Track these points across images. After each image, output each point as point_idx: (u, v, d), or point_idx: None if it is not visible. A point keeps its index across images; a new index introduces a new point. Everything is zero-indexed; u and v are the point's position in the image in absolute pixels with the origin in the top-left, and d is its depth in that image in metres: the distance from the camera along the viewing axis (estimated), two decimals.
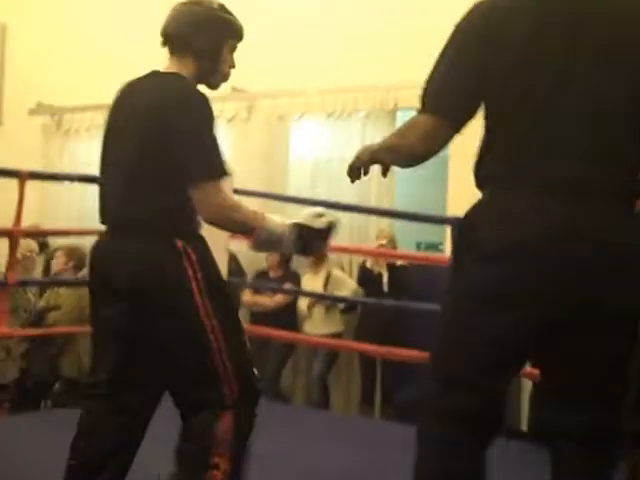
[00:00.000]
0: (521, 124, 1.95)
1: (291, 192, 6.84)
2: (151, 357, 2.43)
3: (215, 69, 2.61)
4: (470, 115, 2.02)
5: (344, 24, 6.90)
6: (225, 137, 7.49)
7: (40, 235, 6.73)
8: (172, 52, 2.59)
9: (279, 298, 6.30)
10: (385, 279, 6.12)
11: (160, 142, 2.36)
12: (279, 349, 6.29)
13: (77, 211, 7.89)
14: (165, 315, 2.36)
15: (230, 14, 2.64)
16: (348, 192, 6.56)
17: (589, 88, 1.92)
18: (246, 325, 6.05)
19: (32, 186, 4.88)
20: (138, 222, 2.40)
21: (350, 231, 6.64)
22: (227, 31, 2.61)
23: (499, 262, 1.93)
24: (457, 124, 2.02)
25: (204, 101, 2.40)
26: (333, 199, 6.04)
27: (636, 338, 2.02)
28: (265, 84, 7.14)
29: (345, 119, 6.84)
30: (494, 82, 1.96)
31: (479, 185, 2.06)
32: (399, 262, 6.22)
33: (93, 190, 6.86)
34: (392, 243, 6.16)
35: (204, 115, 2.40)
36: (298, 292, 5.59)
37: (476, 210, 2.05)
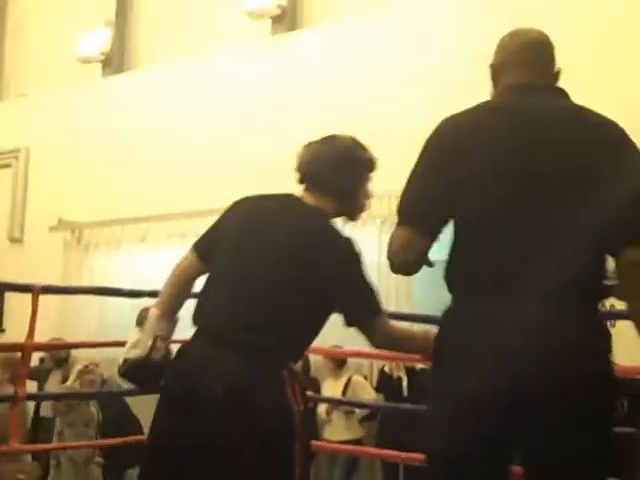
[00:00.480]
0: (481, 235, 2.08)
1: None
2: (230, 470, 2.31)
3: (355, 207, 2.67)
4: (441, 225, 2.15)
5: (356, 129, 7.06)
6: None
7: (52, 349, 6.70)
8: (309, 190, 2.58)
9: None
10: (405, 383, 6.06)
11: (312, 280, 2.40)
12: None
13: (96, 324, 7.93)
14: (258, 433, 2.28)
15: (363, 148, 2.65)
16: None
17: (539, 211, 2.04)
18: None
19: (52, 300, 4.94)
20: (259, 345, 2.33)
21: None
22: (364, 169, 2.64)
23: (459, 368, 2.03)
24: (430, 235, 2.14)
25: (354, 244, 2.49)
26: None
27: (600, 445, 2.04)
28: None
29: (361, 226, 6.90)
30: (460, 194, 2.09)
31: (448, 289, 2.16)
32: (419, 366, 6.17)
33: (110, 302, 6.95)
34: None
35: (358, 258, 2.47)
36: (316, 398, 5.54)
37: (443, 317, 2.17)
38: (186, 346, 2.48)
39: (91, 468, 5.80)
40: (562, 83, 2.28)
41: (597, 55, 6.15)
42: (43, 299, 4.52)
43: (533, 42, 2.26)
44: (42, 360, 7.56)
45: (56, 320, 7.60)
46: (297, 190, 2.61)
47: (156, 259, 7.73)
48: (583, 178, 2.05)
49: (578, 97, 2.22)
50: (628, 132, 2.13)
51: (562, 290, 2.00)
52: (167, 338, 2.60)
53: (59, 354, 6.80)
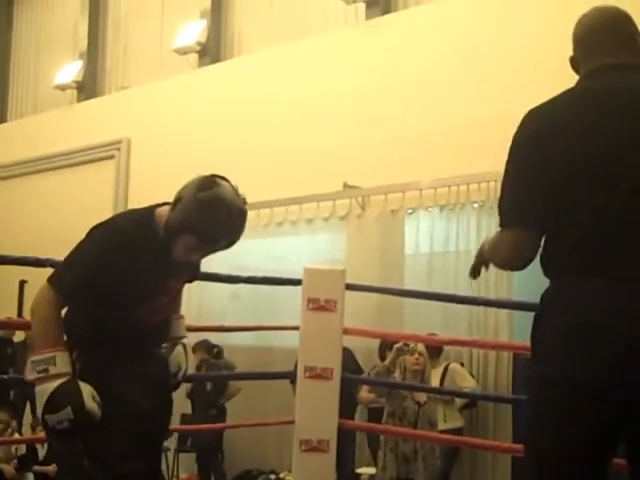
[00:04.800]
0: (586, 218, 2.01)
1: (408, 286, 6.79)
2: None
3: (169, 242, 2.62)
4: (545, 219, 2.08)
5: (451, 114, 6.93)
6: (339, 233, 7.57)
7: None
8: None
9: None
10: None
11: None
12: None
13: (196, 310, 8.03)
14: None
15: (208, 213, 2.53)
16: (465, 284, 6.46)
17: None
18: (363, 422, 5.96)
19: None
20: None
21: (469, 324, 6.51)
22: (185, 224, 2.55)
23: (566, 348, 1.97)
24: (541, 229, 2.09)
25: None
26: (450, 292, 5.95)
27: None
28: (377, 179, 7.22)
29: (459, 211, 6.79)
30: (552, 184, 2.03)
31: (546, 274, 2.11)
32: None
33: (207, 288, 7.05)
34: None
35: None
36: (415, 387, 5.46)
37: (545, 299, 2.09)
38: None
39: None
40: None
41: None
42: None
43: (619, 17, 2.15)
44: None
45: None
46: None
47: (253, 247, 7.81)
48: None
49: None
50: None
51: None
52: None
53: None
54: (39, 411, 2.53)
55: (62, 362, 2.52)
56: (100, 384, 2.57)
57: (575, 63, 2.20)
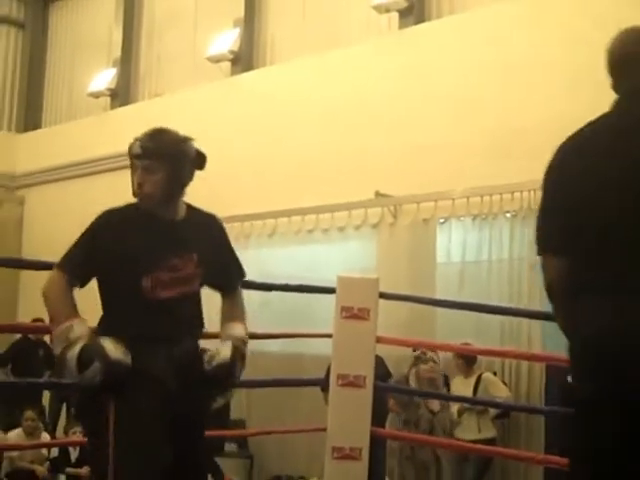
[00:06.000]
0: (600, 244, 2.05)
1: (439, 295, 6.78)
2: None
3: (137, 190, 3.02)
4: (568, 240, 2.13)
5: (484, 123, 6.91)
6: (370, 242, 7.58)
7: None
8: None
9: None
10: None
11: None
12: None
13: None
14: None
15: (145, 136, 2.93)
16: (497, 294, 6.44)
17: None
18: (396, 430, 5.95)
19: None
20: None
21: (501, 334, 6.48)
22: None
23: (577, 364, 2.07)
24: (562, 252, 2.14)
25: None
26: (482, 301, 5.93)
27: None
28: (409, 188, 7.22)
29: (492, 221, 6.77)
30: (577, 199, 2.08)
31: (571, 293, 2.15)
32: None
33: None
34: None
35: None
36: (446, 397, 5.45)
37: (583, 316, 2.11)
38: None
39: None
40: None
41: None
42: None
43: None
44: None
45: None
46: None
47: (284, 254, 7.83)
48: None
49: None
50: None
51: None
52: None
53: None
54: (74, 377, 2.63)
55: (79, 327, 2.66)
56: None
57: (613, 87, 2.20)
